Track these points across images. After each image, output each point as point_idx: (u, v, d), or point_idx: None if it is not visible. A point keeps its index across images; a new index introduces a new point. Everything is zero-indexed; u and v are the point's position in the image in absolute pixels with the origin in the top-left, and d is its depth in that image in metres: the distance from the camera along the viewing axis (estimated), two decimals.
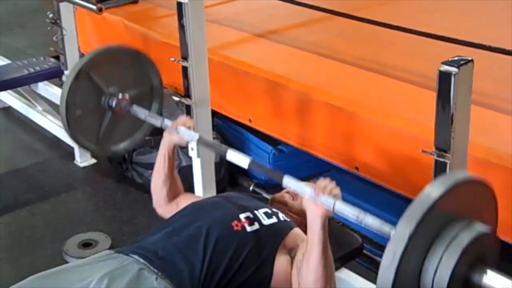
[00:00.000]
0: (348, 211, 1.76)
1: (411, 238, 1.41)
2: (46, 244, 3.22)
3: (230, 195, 2.22)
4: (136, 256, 1.91)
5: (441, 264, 1.47)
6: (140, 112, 2.52)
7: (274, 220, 2.05)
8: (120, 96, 2.54)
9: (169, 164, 2.30)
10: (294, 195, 2.27)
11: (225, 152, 2.13)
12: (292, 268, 1.95)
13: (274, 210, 2.12)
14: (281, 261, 1.97)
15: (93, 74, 2.50)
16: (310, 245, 1.85)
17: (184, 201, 2.27)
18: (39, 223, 3.42)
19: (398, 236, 1.43)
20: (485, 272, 1.49)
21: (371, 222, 1.70)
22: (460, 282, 1.49)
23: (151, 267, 1.88)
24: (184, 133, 2.26)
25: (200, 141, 2.27)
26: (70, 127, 2.49)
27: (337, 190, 1.83)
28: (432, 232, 1.48)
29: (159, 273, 1.87)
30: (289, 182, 1.94)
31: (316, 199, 1.82)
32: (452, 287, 1.47)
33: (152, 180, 2.34)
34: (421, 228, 1.42)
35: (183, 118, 2.35)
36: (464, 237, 1.48)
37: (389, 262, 1.42)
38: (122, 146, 2.67)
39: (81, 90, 2.49)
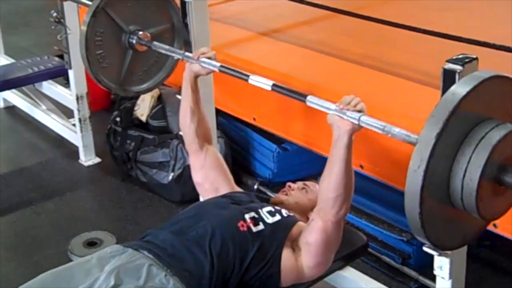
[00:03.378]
0: (375, 123, 1.78)
1: (438, 139, 1.39)
2: (51, 243, 3.23)
3: (233, 195, 2.22)
4: (145, 252, 1.92)
5: (470, 165, 1.45)
6: (161, 47, 2.53)
7: (277, 217, 2.06)
8: (140, 33, 2.57)
9: (193, 96, 2.33)
10: (288, 190, 2.28)
11: (248, 77, 2.19)
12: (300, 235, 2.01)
13: (277, 207, 2.12)
14: (286, 255, 1.98)
15: (111, 11, 2.51)
16: (333, 162, 1.90)
17: (212, 155, 2.33)
18: (44, 222, 3.43)
19: (424, 138, 1.41)
20: None
21: (397, 132, 1.73)
22: (491, 183, 1.47)
23: (160, 263, 1.88)
24: (206, 63, 2.29)
25: (222, 69, 2.29)
26: (91, 66, 2.52)
27: (362, 104, 1.84)
28: (460, 133, 1.47)
29: (168, 270, 1.87)
30: (312, 100, 1.97)
31: (342, 114, 1.83)
32: (482, 189, 1.45)
33: (180, 118, 2.37)
34: (448, 128, 1.40)
35: (203, 48, 2.36)
36: (493, 136, 1.46)
37: (416, 165, 1.41)
38: (145, 86, 2.70)
39: (100, 28, 2.51)
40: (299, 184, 2.34)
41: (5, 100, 4.69)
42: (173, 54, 2.52)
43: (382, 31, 3.11)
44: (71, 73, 3.81)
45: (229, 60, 3.12)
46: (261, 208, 2.08)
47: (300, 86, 2.81)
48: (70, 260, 3.03)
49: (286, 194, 2.28)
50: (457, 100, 1.43)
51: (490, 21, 3.44)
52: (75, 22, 3.72)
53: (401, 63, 2.94)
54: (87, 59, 2.51)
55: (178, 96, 2.77)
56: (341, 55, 3.11)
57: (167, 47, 2.54)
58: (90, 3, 3.27)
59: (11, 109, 4.68)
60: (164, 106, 3.67)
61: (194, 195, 2.91)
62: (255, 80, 2.18)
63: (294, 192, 2.28)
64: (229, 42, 3.34)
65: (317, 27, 3.53)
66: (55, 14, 3.66)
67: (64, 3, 3.60)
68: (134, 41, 2.57)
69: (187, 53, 2.40)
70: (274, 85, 2.13)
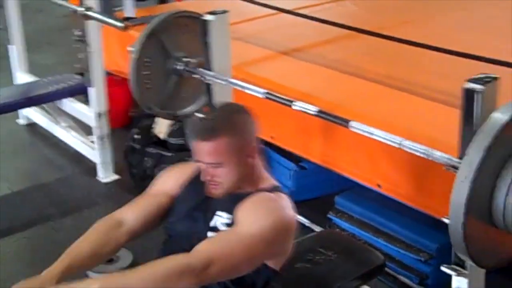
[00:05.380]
0: (416, 147, 1.87)
1: (487, 152, 1.50)
2: None
3: (178, 233, 2.07)
4: None
5: None
6: (206, 74, 2.60)
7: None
8: (186, 60, 2.66)
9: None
10: (214, 184, 1.92)
11: (291, 103, 2.32)
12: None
13: (214, 226, 1.93)
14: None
15: (163, 36, 2.63)
16: None
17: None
18: (62, 238, 3.43)
19: (474, 151, 1.52)
20: None
21: (439, 156, 1.83)
22: None
23: None
24: (252, 89, 2.47)
25: (267, 96, 2.45)
26: (137, 85, 2.62)
27: None
28: (505, 151, 1.57)
29: None
30: (355, 126, 2.07)
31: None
32: None
33: None
34: (496, 144, 1.52)
35: None
36: None
37: (463, 176, 1.52)
38: (188, 110, 2.80)
39: (150, 50, 2.63)
40: (206, 160, 1.90)
41: (26, 117, 4.73)
42: (218, 81, 2.57)
43: (403, 51, 3.10)
44: (92, 91, 3.84)
45: (249, 78, 3.13)
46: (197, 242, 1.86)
47: (320, 105, 2.81)
48: (87, 277, 3.03)
49: (216, 188, 1.94)
50: (506, 119, 1.54)
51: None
52: (97, 41, 3.75)
53: (423, 83, 2.93)
54: (135, 78, 2.61)
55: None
56: (362, 74, 3.10)
57: (212, 73, 2.60)
58: (112, 21, 3.35)
59: (32, 126, 4.71)
60: (183, 124, 3.68)
61: None
62: (299, 106, 2.27)
63: (219, 177, 1.90)
64: (250, 61, 3.35)
65: (338, 47, 3.53)
66: (78, 33, 3.70)
67: (87, 21, 3.63)
68: (179, 67, 2.66)
69: (231, 80, 2.48)
70: (319, 111, 2.21)
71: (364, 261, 2.02)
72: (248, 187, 1.95)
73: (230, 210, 1.90)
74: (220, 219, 1.93)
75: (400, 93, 2.87)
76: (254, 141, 1.97)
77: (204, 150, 1.88)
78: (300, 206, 2.50)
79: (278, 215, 1.86)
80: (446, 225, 1.82)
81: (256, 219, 1.82)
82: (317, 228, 3.07)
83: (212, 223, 1.94)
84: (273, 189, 1.97)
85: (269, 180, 2.01)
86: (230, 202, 1.90)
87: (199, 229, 1.95)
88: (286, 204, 1.93)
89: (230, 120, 1.93)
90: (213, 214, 1.95)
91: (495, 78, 1.77)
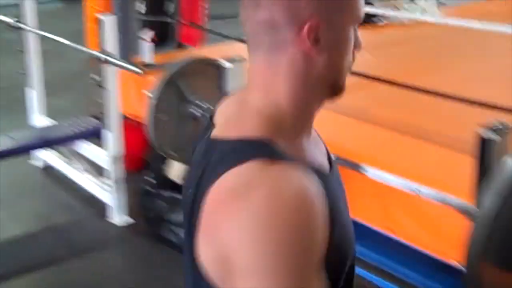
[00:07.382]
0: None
1: (500, 206, 1.51)
2: None
3: None
4: None
5: None
6: None
7: None
8: (205, 106, 2.68)
9: None
10: None
11: None
12: None
13: None
14: None
15: (181, 83, 2.68)
16: None
17: None
18: (72, 280, 3.43)
19: (486, 205, 1.52)
20: None
21: (455, 203, 1.91)
22: None
23: None
24: None
25: None
26: (154, 130, 2.66)
27: None
28: None
29: None
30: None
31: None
32: None
33: None
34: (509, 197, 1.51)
35: None
36: None
37: (479, 225, 1.53)
38: None
39: (167, 96, 2.67)
40: None
41: (43, 160, 4.75)
42: None
43: (417, 98, 3.11)
44: (108, 134, 3.88)
45: None
46: None
47: (332, 150, 2.81)
48: None
49: None
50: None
51: None
52: (114, 85, 3.81)
53: (436, 131, 2.93)
54: (152, 122, 2.66)
55: None
56: (375, 121, 3.11)
57: None
58: (132, 68, 3.40)
59: (47, 169, 4.73)
60: None
61: None
62: None
63: None
64: None
65: (352, 94, 3.49)
66: (95, 77, 3.76)
67: (104, 66, 3.69)
68: (196, 113, 2.70)
69: None
70: None
71: None
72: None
73: None
74: None
75: (414, 140, 2.87)
76: None
77: None
78: None
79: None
80: (457, 269, 1.82)
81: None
82: None
83: None
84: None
85: None
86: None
87: None
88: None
89: None
90: None
91: (508, 126, 1.79)
